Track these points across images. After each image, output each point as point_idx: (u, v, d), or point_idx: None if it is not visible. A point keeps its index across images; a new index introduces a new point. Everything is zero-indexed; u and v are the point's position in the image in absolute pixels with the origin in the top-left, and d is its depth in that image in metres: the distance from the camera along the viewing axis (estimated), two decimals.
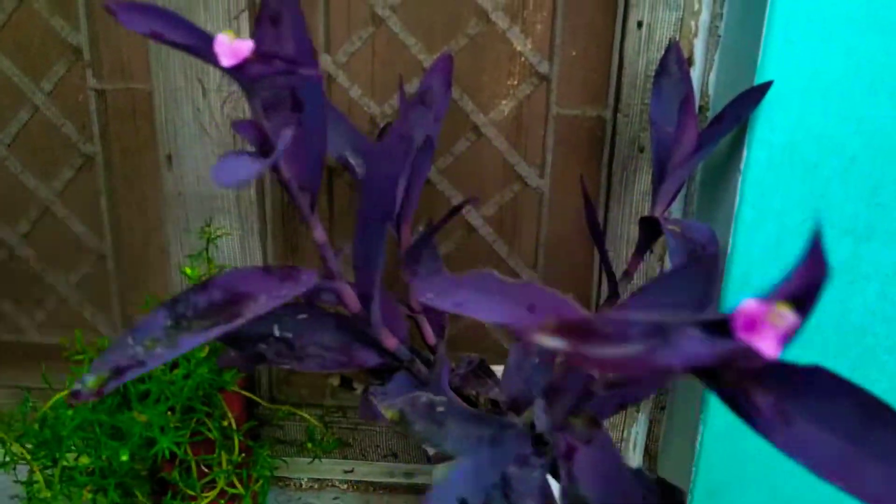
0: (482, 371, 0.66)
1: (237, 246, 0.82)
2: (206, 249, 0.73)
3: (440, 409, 0.55)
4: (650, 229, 0.66)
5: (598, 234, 0.67)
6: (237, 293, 0.50)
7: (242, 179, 0.42)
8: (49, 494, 0.66)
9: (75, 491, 0.68)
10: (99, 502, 0.69)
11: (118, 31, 0.80)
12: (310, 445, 0.80)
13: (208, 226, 0.75)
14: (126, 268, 0.87)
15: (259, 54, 0.41)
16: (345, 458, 0.90)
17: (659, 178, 0.66)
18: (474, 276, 0.47)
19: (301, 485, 0.90)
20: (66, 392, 0.72)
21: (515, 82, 0.81)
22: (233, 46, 0.40)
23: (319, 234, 0.53)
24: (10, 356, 0.91)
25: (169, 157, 0.79)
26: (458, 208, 0.63)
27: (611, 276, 0.68)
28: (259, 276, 0.52)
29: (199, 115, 0.78)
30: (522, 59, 0.80)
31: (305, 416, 0.83)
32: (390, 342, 0.60)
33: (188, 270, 0.72)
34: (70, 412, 0.67)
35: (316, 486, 0.91)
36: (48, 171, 0.83)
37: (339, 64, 0.79)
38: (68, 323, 0.90)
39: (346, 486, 0.91)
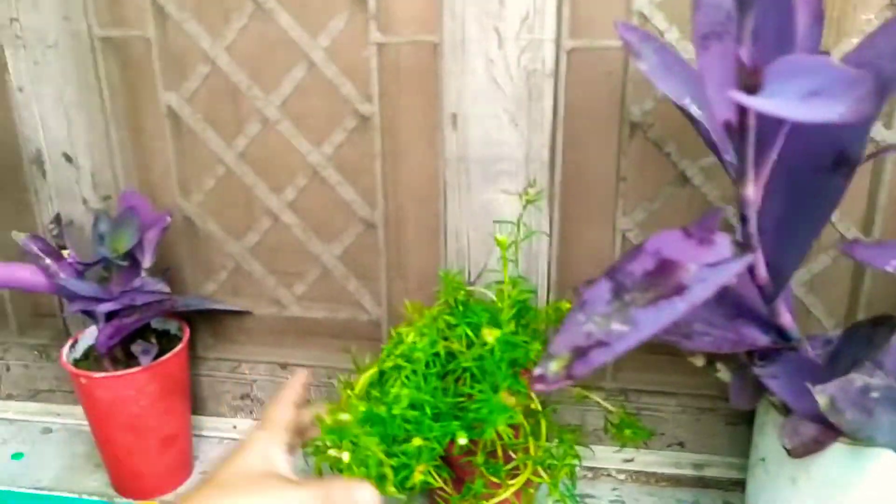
0: None
1: (518, 208, 0.75)
2: (521, 215, 0.66)
3: (874, 394, 0.46)
4: None
5: None
6: (664, 260, 0.42)
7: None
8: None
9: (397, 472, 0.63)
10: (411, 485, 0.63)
11: None
12: (614, 431, 0.72)
13: (532, 185, 0.67)
14: (395, 238, 0.81)
15: None
16: (623, 445, 0.82)
17: None
18: None
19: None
20: (373, 370, 0.67)
21: None
22: None
23: (751, 189, 0.44)
24: (268, 331, 0.88)
25: (454, 117, 0.73)
26: None
27: None
28: (679, 240, 0.44)
29: (492, 68, 0.70)
30: None
31: (599, 400, 0.75)
32: (786, 319, 0.51)
33: (501, 240, 0.65)
34: (395, 391, 0.61)
35: (590, 474, 0.84)
36: (320, 133, 0.78)
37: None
38: (329, 296, 0.85)
39: (624, 476, 0.83)
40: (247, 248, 0.84)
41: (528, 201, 0.66)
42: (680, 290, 0.39)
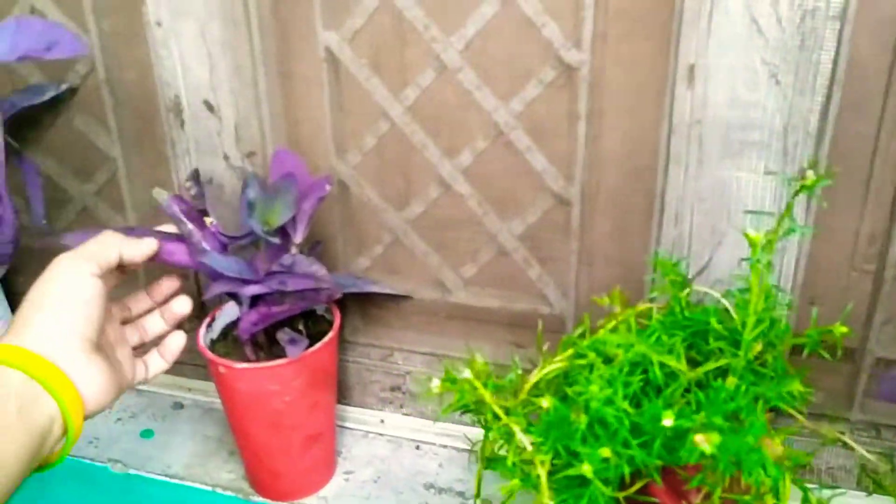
0: None
1: (766, 192, 0.58)
2: (790, 204, 0.49)
3: None
4: None
5: None
6: None
7: None
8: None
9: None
10: None
11: None
12: (871, 486, 0.56)
13: (811, 167, 0.50)
14: (591, 218, 0.66)
15: None
16: (869, 493, 0.65)
17: None
18: None
19: None
20: (558, 363, 0.53)
21: None
22: None
23: None
24: (428, 317, 0.75)
25: (691, 69, 0.56)
26: None
27: None
28: None
29: (753, 5, 0.53)
30: None
31: (846, 440, 0.59)
32: None
33: (754, 238, 0.49)
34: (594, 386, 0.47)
35: None
36: (509, 86, 0.63)
37: None
38: (503, 282, 0.71)
39: None
40: (409, 220, 0.71)
41: (804, 188, 0.49)
42: None
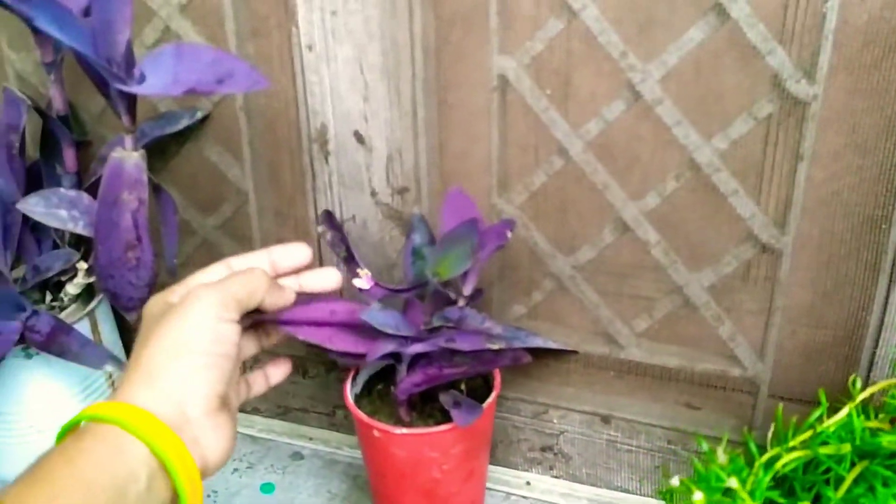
0: None
1: None
2: None
3: None
4: None
5: None
6: None
7: None
8: None
9: None
10: None
11: None
12: None
13: None
14: (803, 271, 0.57)
15: None
16: None
17: None
18: None
19: None
20: (789, 455, 0.45)
21: None
22: None
23: None
24: (591, 373, 0.67)
25: None
26: None
27: None
28: None
29: None
30: None
31: None
32: None
33: None
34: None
35: None
36: (713, 120, 0.55)
37: None
38: (684, 339, 0.63)
39: None
40: (577, 266, 0.63)
41: None
42: None
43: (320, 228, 0.61)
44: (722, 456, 0.42)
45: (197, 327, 0.45)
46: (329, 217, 0.61)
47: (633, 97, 0.56)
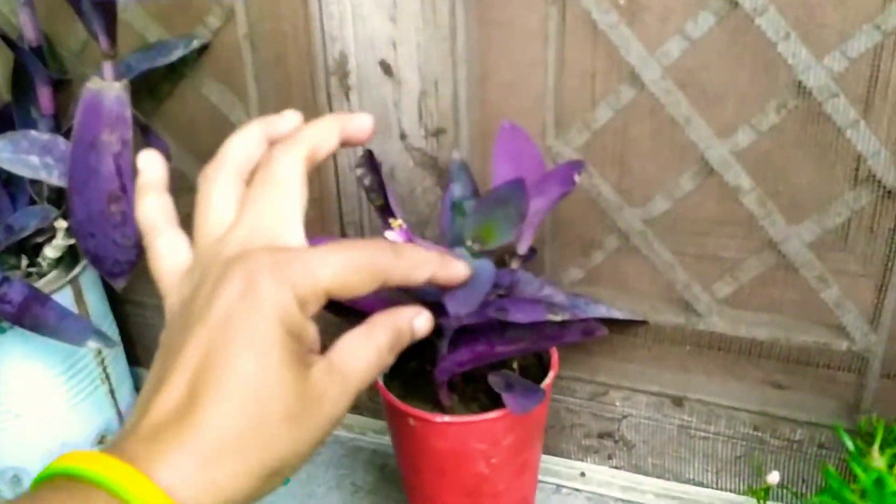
0: None
1: None
2: None
3: None
4: None
5: None
6: None
7: None
8: None
9: None
10: None
11: None
12: None
13: None
14: None
15: None
16: None
17: None
18: None
19: None
20: None
21: None
22: None
23: None
24: (660, 348, 0.57)
25: None
26: None
27: None
28: None
29: None
30: None
31: None
32: None
33: None
34: None
35: None
36: (826, 37, 0.44)
37: None
38: (777, 306, 0.53)
39: None
40: (648, 219, 0.53)
41: None
42: None
43: (359, 171, 0.50)
44: (878, 458, 0.32)
45: (275, 365, 0.29)
46: (370, 158, 0.50)
47: (726, 6, 0.45)
